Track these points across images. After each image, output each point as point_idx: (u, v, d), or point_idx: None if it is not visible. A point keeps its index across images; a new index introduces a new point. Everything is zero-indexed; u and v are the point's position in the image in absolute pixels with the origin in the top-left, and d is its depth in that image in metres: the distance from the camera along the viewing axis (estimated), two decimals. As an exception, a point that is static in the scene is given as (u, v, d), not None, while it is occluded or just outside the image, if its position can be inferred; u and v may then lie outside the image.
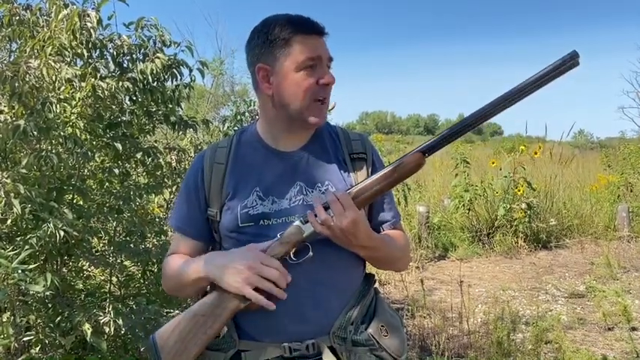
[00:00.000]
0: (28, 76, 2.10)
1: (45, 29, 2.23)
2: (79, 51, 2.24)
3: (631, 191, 8.00)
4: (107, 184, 2.51)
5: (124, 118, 2.47)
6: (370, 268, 1.35)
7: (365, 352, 1.19)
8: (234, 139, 1.31)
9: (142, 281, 2.68)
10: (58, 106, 2.20)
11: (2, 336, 1.98)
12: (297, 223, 1.16)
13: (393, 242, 1.29)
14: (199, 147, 3.00)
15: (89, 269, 2.61)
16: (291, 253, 1.16)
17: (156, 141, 2.92)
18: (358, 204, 1.16)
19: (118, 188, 2.48)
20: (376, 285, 1.36)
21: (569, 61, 1.08)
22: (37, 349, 2.24)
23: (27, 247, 1.97)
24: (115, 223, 2.44)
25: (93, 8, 2.28)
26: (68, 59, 2.26)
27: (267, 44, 1.19)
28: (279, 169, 1.25)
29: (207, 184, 1.26)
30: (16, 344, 2.11)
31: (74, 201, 2.37)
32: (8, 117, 2.14)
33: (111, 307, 2.19)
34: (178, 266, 1.25)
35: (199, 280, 1.19)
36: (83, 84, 2.25)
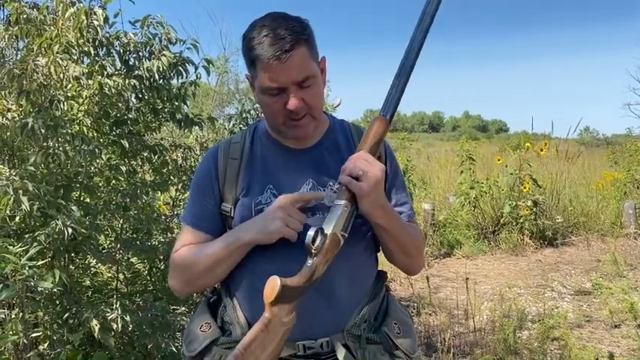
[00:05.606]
0: (35, 74, 2.12)
1: (52, 27, 2.23)
2: (86, 49, 2.25)
3: (637, 188, 7.95)
4: (114, 181, 2.52)
5: (131, 116, 2.49)
6: (382, 266, 1.35)
7: (379, 349, 1.19)
8: (248, 135, 1.31)
9: (148, 278, 2.70)
10: (65, 103, 2.21)
11: (11, 332, 1.99)
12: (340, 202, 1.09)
13: (408, 227, 1.26)
14: (205, 144, 3.01)
15: (96, 266, 2.63)
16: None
17: (162, 138, 2.92)
18: None
19: (125, 186, 2.49)
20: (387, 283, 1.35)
21: None
22: (46, 345, 2.27)
23: (35, 244, 1.99)
24: (121, 221, 2.45)
25: (99, 6, 2.29)
26: (75, 57, 2.27)
27: (244, 56, 1.16)
28: (292, 166, 1.25)
29: (221, 180, 1.25)
30: (24, 340, 2.13)
31: (81, 198, 2.38)
32: (16, 115, 2.16)
33: (118, 303, 2.20)
34: (194, 253, 1.22)
35: (228, 254, 1.16)
36: (90, 82, 2.26)
